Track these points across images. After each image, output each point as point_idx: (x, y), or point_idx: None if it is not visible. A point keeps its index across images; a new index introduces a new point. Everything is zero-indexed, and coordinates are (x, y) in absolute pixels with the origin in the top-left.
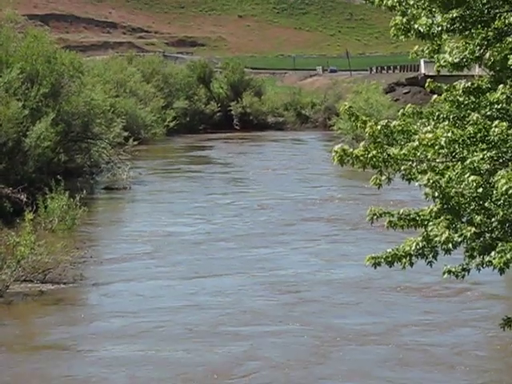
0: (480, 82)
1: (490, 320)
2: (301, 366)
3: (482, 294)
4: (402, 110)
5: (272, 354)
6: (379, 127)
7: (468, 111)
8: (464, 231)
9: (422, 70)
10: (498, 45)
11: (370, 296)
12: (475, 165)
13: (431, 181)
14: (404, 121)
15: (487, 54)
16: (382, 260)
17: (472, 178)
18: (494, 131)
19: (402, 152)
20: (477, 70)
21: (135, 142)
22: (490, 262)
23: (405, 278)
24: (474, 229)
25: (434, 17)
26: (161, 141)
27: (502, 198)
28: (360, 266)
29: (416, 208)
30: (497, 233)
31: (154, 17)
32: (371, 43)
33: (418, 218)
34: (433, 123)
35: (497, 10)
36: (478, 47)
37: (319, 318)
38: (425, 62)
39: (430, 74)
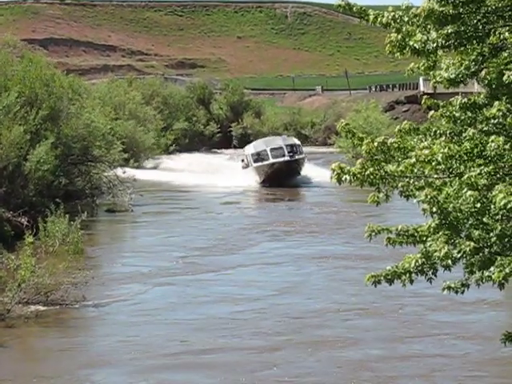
0: (476, 98)
1: None
2: None
3: None
4: (398, 127)
5: None
6: (376, 144)
7: (464, 127)
8: (463, 246)
9: (421, 87)
10: (493, 60)
11: None
12: (472, 180)
13: (429, 197)
14: (401, 137)
15: (483, 72)
16: (382, 278)
17: (469, 193)
18: (491, 146)
19: (399, 169)
20: (475, 87)
21: (135, 164)
22: (489, 276)
23: None
24: (472, 244)
25: (428, 33)
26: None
27: (500, 213)
28: None
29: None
30: (495, 247)
31: (153, 39)
32: (370, 62)
33: (416, 234)
34: (429, 139)
35: (491, 26)
36: (474, 63)
37: None
38: (424, 79)
39: (429, 91)
